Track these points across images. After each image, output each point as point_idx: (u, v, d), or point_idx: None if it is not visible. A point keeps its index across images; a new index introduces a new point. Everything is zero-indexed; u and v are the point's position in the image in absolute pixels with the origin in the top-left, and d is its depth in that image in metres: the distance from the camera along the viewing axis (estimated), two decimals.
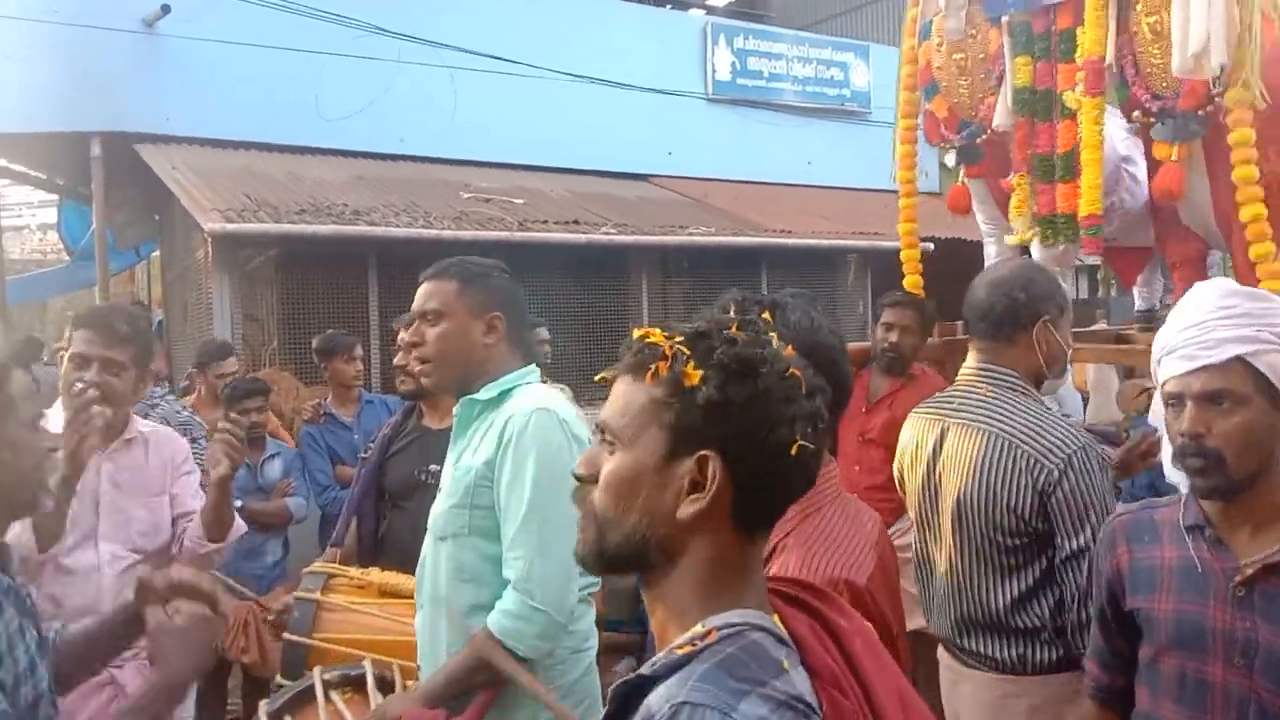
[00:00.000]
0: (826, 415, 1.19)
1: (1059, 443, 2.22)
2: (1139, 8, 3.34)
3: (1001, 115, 3.82)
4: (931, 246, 8.37)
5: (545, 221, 8.61)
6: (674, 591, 1.15)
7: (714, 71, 11.56)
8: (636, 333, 1.20)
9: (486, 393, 2.20)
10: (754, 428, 1.11)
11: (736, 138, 11.65)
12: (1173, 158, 3.38)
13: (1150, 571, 1.84)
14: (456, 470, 2.21)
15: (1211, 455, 1.69)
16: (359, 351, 5.40)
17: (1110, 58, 3.43)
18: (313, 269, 7.81)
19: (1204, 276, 3.97)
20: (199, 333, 8.46)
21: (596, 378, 1.28)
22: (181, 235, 9.33)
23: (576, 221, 8.80)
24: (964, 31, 3.89)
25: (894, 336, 4.31)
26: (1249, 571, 1.69)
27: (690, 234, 9.20)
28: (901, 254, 4.48)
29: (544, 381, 2.57)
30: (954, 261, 6.55)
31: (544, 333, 5.86)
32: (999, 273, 2.53)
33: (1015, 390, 2.35)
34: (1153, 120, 3.43)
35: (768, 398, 1.12)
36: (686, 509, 1.11)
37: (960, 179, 4.27)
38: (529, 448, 2.08)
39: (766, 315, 1.65)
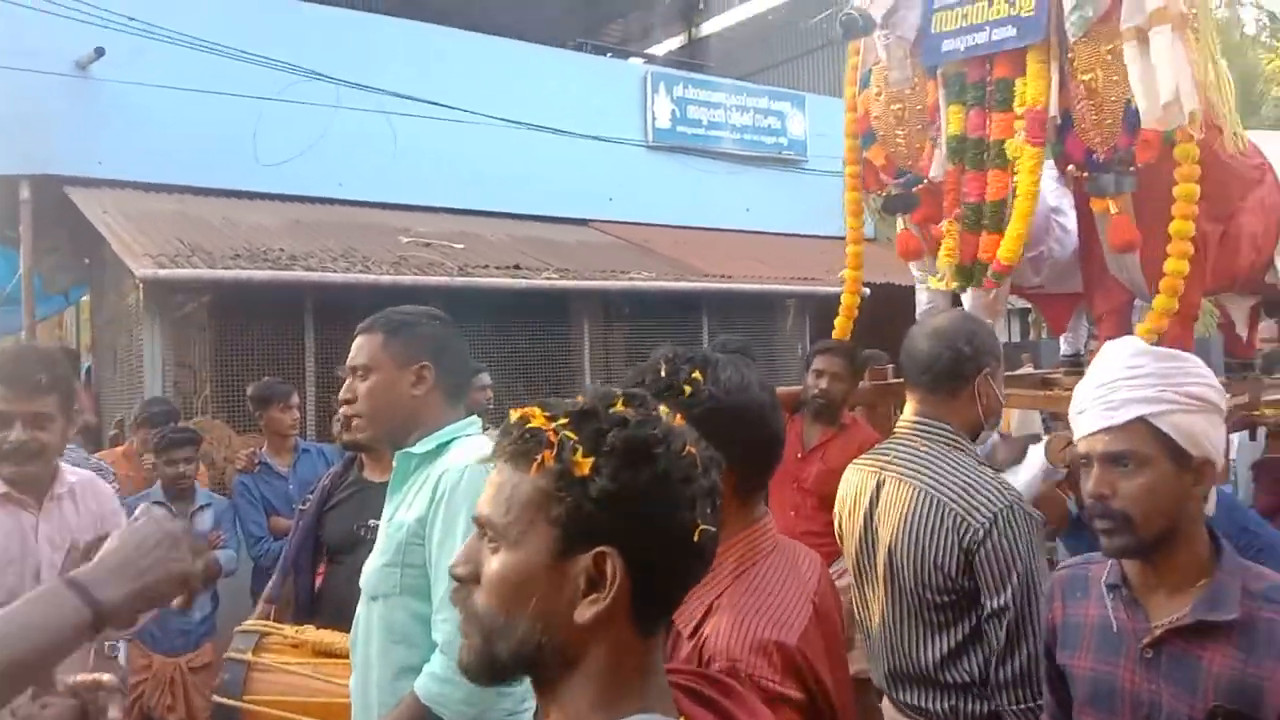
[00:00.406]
0: (722, 488, 1.12)
1: (987, 501, 2.22)
2: (1074, 65, 3.44)
3: (938, 166, 3.88)
4: (868, 291, 8.54)
5: (486, 266, 8.60)
6: (572, 699, 1.05)
7: (654, 119, 11.69)
8: (514, 414, 1.10)
9: (423, 446, 2.17)
10: (655, 516, 1.03)
11: (677, 184, 11.77)
12: (1112, 210, 3.47)
13: (1077, 628, 1.85)
14: (390, 527, 2.17)
15: (1118, 516, 1.69)
16: (295, 400, 5.33)
17: (1054, 110, 3.51)
18: (248, 315, 7.70)
19: (1129, 327, 4.08)
20: (129, 380, 8.28)
21: (478, 461, 1.18)
22: (112, 280, 9.14)
23: (518, 266, 8.79)
24: (909, 82, 3.96)
25: (824, 383, 4.36)
26: (1157, 633, 1.70)
27: (631, 279, 9.25)
28: (842, 298, 4.51)
29: (485, 429, 2.54)
30: (888, 306, 6.65)
31: (485, 378, 5.84)
32: (939, 324, 2.52)
33: (950, 445, 2.36)
34: (1086, 175, 3.53)
35: (667, 481, 1.03)
36: (585, 611, 1.02)
37: (904, 224, 4.33)
38: (461, 504, 2.04)
39: (697, 373, 1.68)
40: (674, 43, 17.61)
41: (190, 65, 8.59)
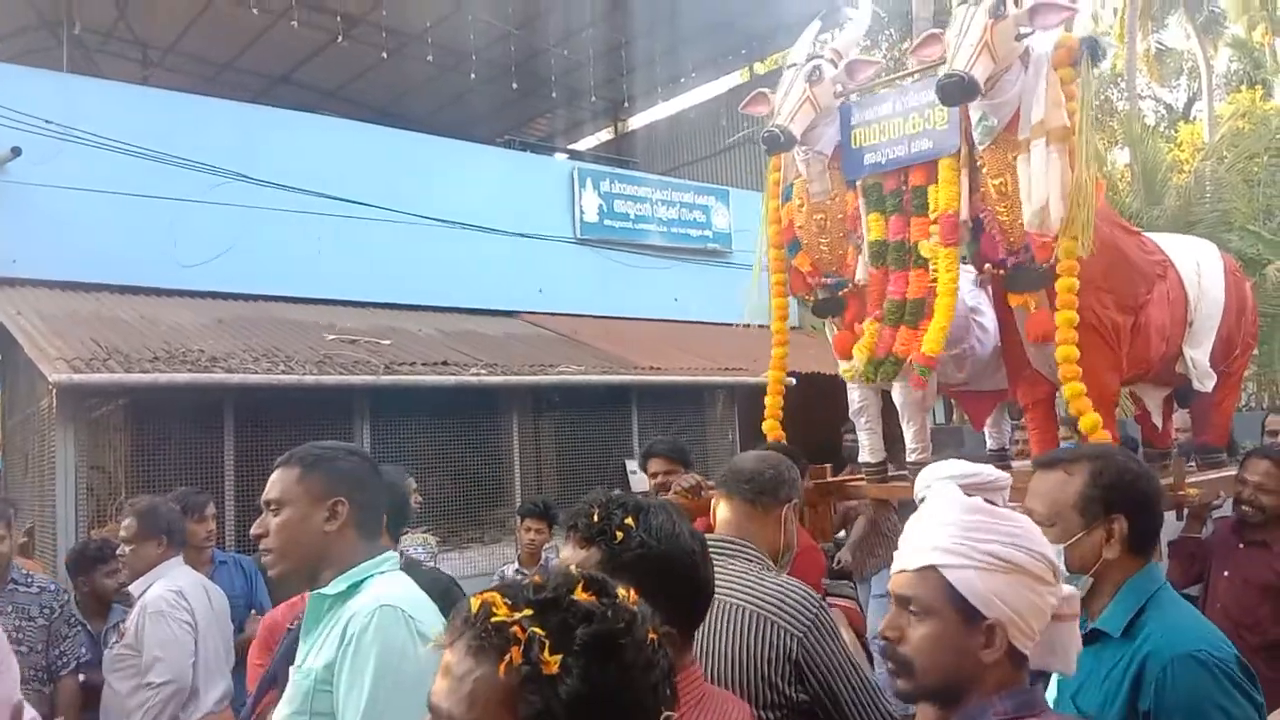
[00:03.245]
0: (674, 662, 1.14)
1: (802, 609, 2.23)
2: (985, 171, 3.62)
3: (862, 269, 4.04)
4: (794, 380, 8.67)
5: (413, 363, 8.53)
6: None
7: (582, 213, 11.86)
8: (474, 601, 1.09)
9: (334, 586, 2.10)
10: (621, 708, 1.04)
11: (605, 276, 11.91)
12: (1030, 307, 3.62)
13: None
14: (297, 674, 2.07)
15: (900, 660, 1.61)
16: (211, 510, 5.14)
17: (965, 214, 3.68)
18: (166, 417, 7.49)
19: (1054, 417, 4.21)
20: (40, 484, 7.98)
21: (432, 645, 1.15)
22: (25, 380, 8.88)
23: (445, 362, 8.74)
24: (828, 193, 4.11)
25: None
26: None
27: (561, 373, 9.25)
28: (766, 399, 4.57)
29: (409, 530, 2.46)
30: (814, 395, 6.75)
31: (412, 483, 5.73)
32: (766, 453, 2.75)
33: (756, 562, 2.37)
34: (1002, 272, 3.68)
35: (631, 673, 1.05)
36: None
37: (838, 327, 4.44)
38: (369, 649, 1.96)
39: (629, 520, 1.68)
40: (600, 137, 17.98)
41: (108, 166, 8.54)
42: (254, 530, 2.22)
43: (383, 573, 2.15)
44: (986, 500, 1.67)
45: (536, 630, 1.03)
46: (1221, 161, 15.44)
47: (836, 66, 4.17)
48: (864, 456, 4.55)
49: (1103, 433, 3.50)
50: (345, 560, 2.14)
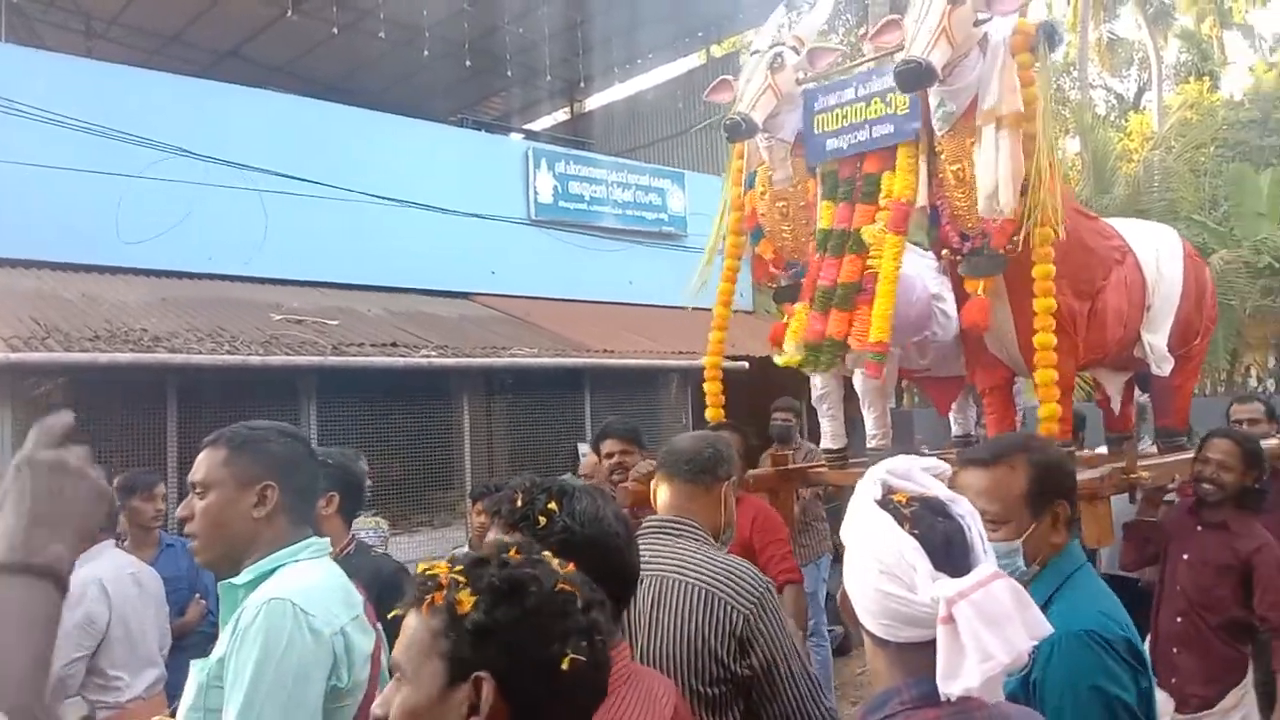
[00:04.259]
0: (609, 625, 1.23)
1: (750, 585, 2.27)
2: (943, 157, 3.63)
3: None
4: (746, 365, 8.69)
5: (362, 344, 8.41)
6: None
7: (536, 194, 11.76)
8: (421, 566, 1.24)
9: (244, 576, 1.98)
10: (523, 647, 1.14)
11: (559, 258, 11.82)
12: (979, 291, 3.64)
13: None
14: (194, 668, 1.96)
15: None
16: (160, 490, 5.04)
17: (924, 200, 3.68)
18: (107, 398, 7.31)
19: (1012, 402, 4.26)
20: None
21: (390, 614, 1.28)
22: None
23: (394, 344, 8.63)
24: (791, 180, 4.11)
25: None
26: None
27: (513, 355, 9.18)
28: (705, 385, 4.56)
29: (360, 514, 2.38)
30: (767, 378, 6.74)
31: (363, 464, 5.66)
32: (702, 432, 2.85)
33: (699, 540, 2.41)
34: (959, 257, 3.69)
35: (536, 616, 1.16)
36: None
37: (784, 316, 4.43)
38: (252, 644, 1.84)
39: (553, 504, 1.67)
40: (556, 117, 17.82)
41: (49, 140, 8.30)
42: (179, 513, 2.10)
43: (297, 561, 2.02)
44: None
45: (458, 577, 1.19)
46: (1170, 151, 15.69)
47: (798, 53, 4.16)
48: (826, 443, 4.59)
49: (1055, 425, 3.53)
50: (268, 548, 2.02)
